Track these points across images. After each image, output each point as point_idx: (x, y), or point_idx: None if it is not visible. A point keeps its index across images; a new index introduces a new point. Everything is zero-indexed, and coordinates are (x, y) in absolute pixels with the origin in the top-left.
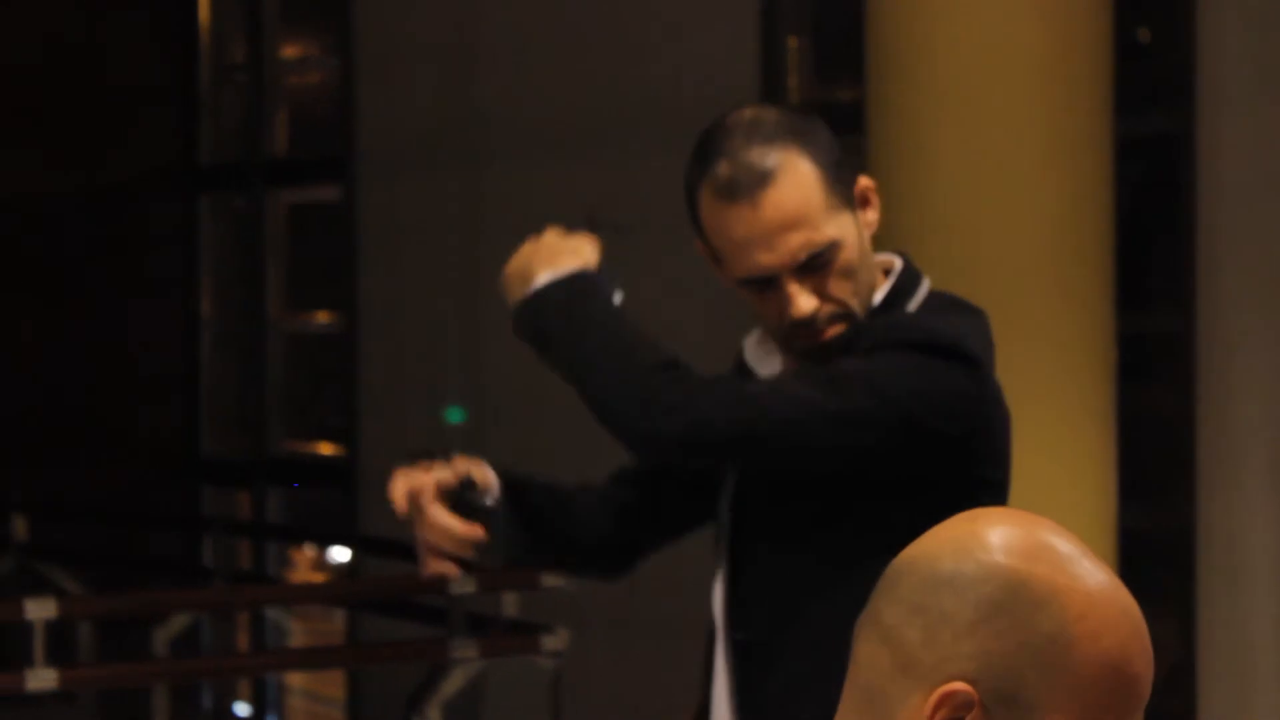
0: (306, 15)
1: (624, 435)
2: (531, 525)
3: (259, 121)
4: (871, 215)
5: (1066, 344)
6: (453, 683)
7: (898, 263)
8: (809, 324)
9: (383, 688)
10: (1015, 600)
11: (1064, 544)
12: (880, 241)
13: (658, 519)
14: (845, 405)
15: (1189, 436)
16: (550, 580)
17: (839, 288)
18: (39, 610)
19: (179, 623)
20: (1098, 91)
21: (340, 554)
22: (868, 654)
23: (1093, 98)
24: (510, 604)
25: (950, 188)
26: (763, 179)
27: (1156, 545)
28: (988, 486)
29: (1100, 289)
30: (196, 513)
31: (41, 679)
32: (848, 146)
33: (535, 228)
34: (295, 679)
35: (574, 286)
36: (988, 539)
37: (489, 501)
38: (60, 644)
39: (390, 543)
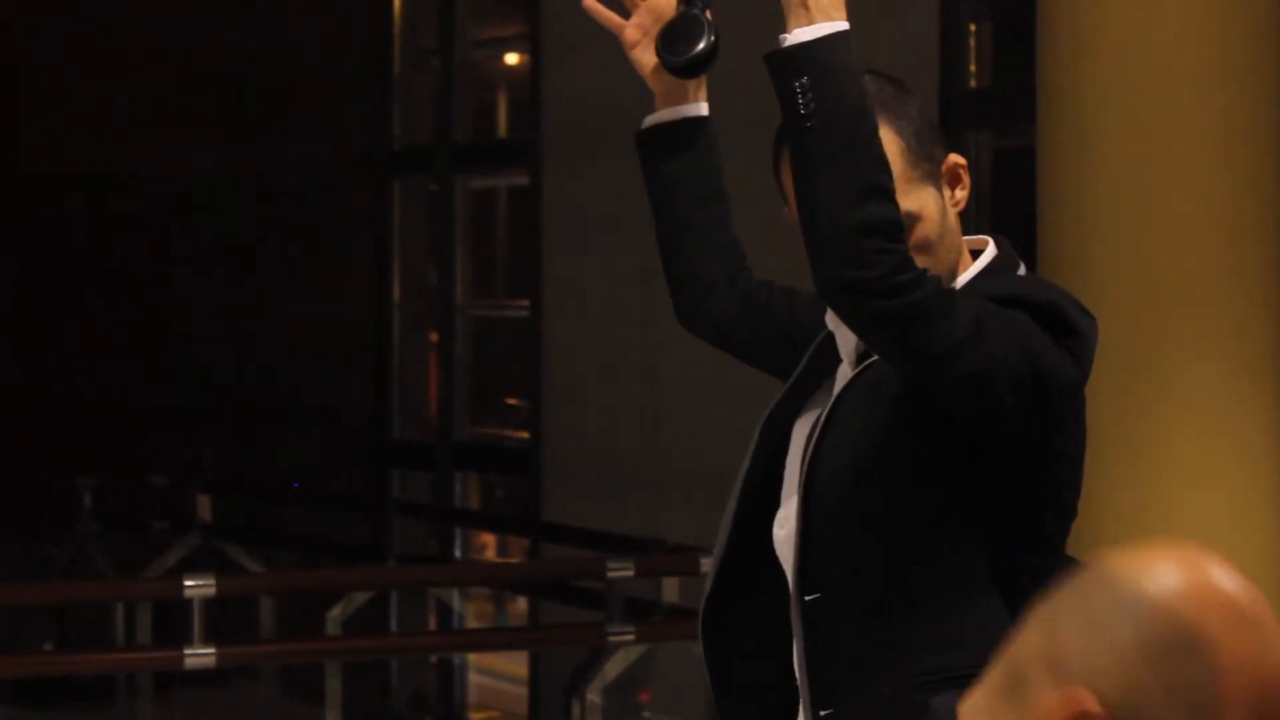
0: (497, 1)
1: (842, 265)
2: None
3: (450, 106)
4: (960, 193)
5: (1234, 337)
6: (614, 666)
7: (990, 245)
8: None
9: (563, 667)
10: (1173, 647)
11: (1254, 605)
12: (1049, 233)
13: (758, 324)
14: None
15: None
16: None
17: (916, 261)
18: (198, 588)
19: (353, 602)
20: (1272, 83)
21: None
22: (1032, 637)
23: (1267, 89)
24: (670, 590)
25: (1118, 179)
26: None
27: None
28: (1065, 457)
29: (1271, 286)
30: (384, 496)
31: (200, 656)
32: (1025, 136)
33: None
34: (478, 657)
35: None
36: (1177, 582)
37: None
38: (248, 623)
39: (567, 530)
